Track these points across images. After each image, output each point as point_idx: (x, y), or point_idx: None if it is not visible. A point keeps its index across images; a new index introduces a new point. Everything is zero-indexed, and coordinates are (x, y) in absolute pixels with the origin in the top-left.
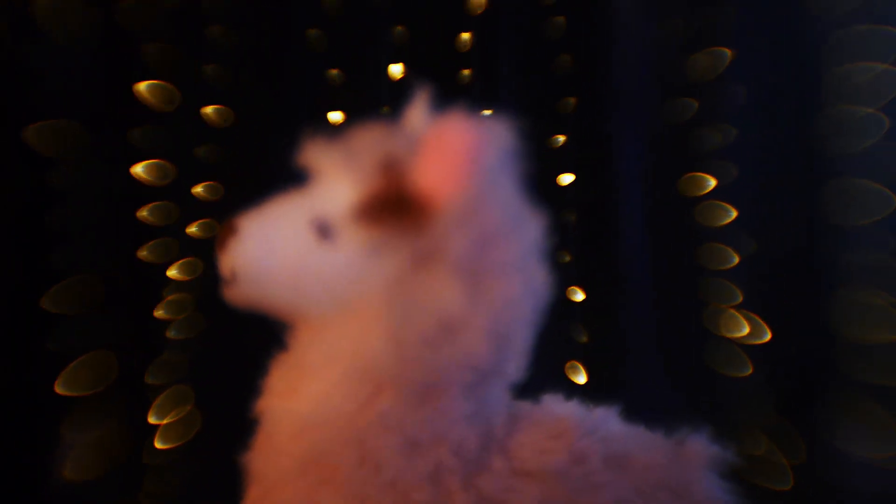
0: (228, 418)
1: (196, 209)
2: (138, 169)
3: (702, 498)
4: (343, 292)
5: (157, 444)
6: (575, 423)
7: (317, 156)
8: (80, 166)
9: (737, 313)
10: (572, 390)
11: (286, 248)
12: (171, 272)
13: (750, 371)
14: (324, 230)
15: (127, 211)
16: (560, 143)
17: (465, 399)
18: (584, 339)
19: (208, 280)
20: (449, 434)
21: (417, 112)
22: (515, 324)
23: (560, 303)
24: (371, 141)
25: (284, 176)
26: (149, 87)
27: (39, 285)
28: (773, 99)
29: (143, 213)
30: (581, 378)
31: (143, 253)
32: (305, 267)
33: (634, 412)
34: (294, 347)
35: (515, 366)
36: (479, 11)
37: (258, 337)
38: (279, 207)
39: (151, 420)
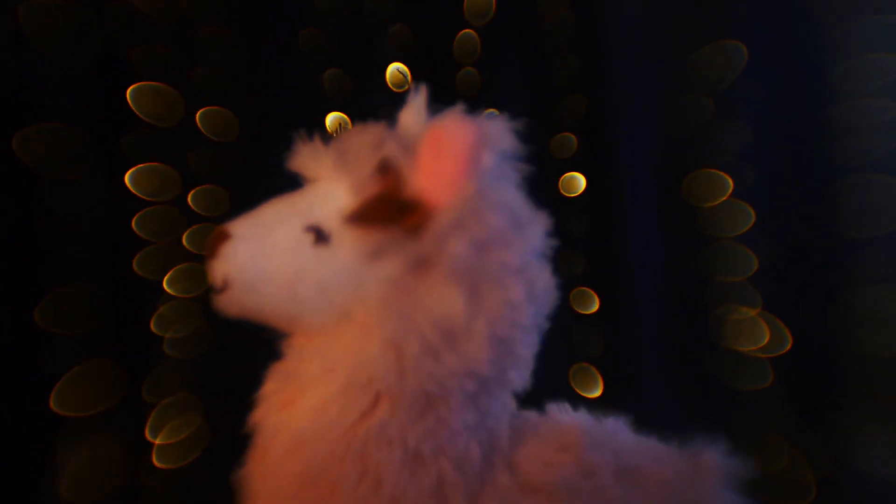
0: (229, 434)
1: (193, 217)
2: (132, 176)
3: None
4: (339, 299)
5: (157, 463)
6: (583, 435)
7: (312, 159)
8: (71, 174)
9: (759, 319)
10: (580, 400)
11: (281, 253)
12: (168, 284)
13: (770, 381)
14: (319, 235)
15: (122, 220)
16: (566, 144)
17: (467, 409)
18: (596, 349)
19: (207, 290)
20: (451, 446)
21: (415, 113)
22: (518, 330)
23: (568, 309)
24: (367, 144)
25: (280, 180)
26: (141, 91)
27: (32, 300)
28: (785, 95)
29: (138, 222)
30: (595, 390)
31: (138, 264)
32: (300, 273)
33: (646, 423)
34: (289, 357)
35: (519, 373)
36: (483, 22)
37: (255, 347)
38: (273, 212)
39: (150, 438)
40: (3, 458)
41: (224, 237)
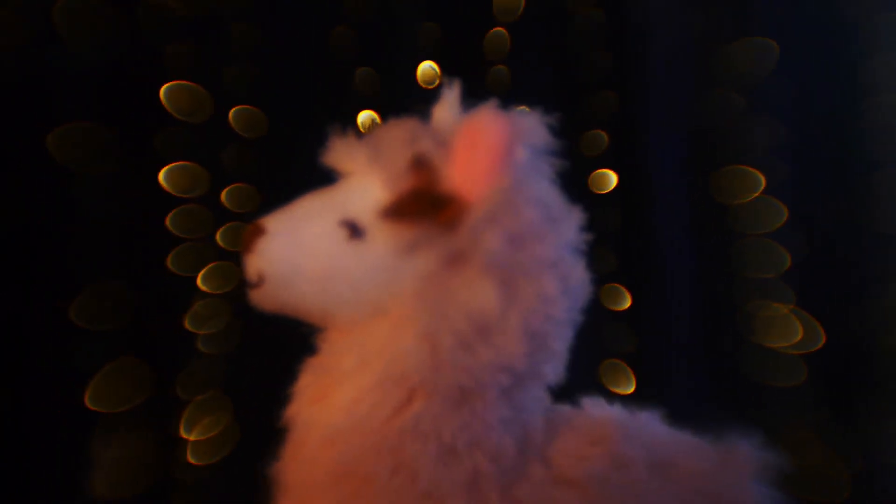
0: (262, 429)
1: (225, 215)
2: (165, 174)
3: None
4: (374, 293)
5: (191, 459)
6: (617, 428)
7: (346, 154)
8: (105, 172)
9: (792, 316)
10: (612, 396)
11: (315, 248)
12: (202, 281)
13: (803, 378)
14: (354, 230)
15: (156, 218)
16: (598, 140)
17: (501, 403)
18: (629, 344)
19: (242, 287)
20: (485, 440)
21: (448, 109)
22: (552, 324)
23: (601, 304)
24: (401, 139)
25: (314, 176)
26: (174, 89)
27: (67, 297)
28: (816, 91)
29: (172, 219)
30: (628, 387)
31: (172, 261)
32: (335, 268)
33: (679, 417)
34: (324, 351)
35: (553, 367)
36: (512, 19)
37: (289, 342)
38: (308, 207)
39: (184, 434)
40: (39, 454)
41: (259, 232)
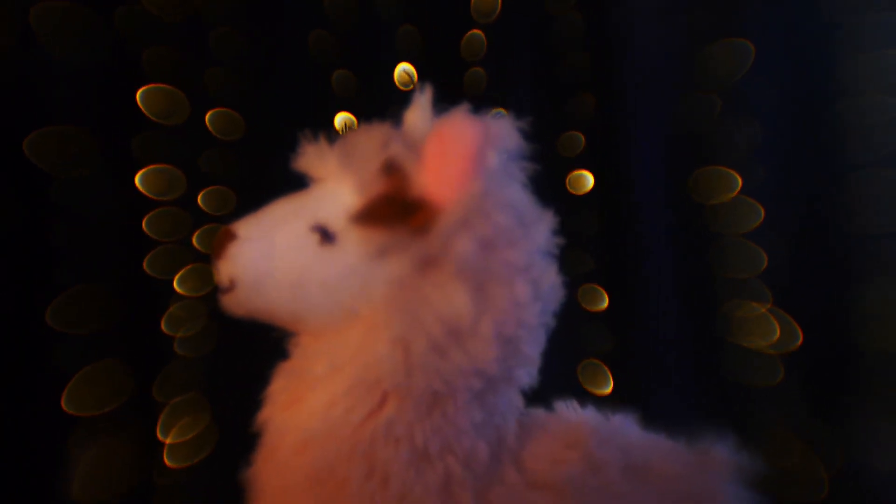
0: (240, 432)
1: (202, 217)
2: (142, 177)
3: None
4: (346, 298)
5: (168, 462)
6: (591, 432)
7: (317, 159)
8: (82, 175)
9: (769, 315)
10: (588, 397)
11: (286, 253)
12: (179, 283)
13: (780, 378)
14: (325, 235)
15: (132, 220)
16: (575, 141)
17: (474, 407)
18: (606, 346)
19: (216, 290)
20: (458, 444)
21: (420, 113)
22: (524, 328)
23: (577, 305)
24: (373, 143)
25: (286, 180)
26: (150, 93)
27: (43, 300)
28: (794, 92)
29: (148, 222)
30: (606, 387)
31: (149, 264)
32: (307, 272)
33: (654, 420)
34: (296, 356)
35: (526, 372)
36: (490, 20)
37: (262, 347)
38: (279, 212)
39: (161, 437)
40: (15, 457)
41: (230, 237)
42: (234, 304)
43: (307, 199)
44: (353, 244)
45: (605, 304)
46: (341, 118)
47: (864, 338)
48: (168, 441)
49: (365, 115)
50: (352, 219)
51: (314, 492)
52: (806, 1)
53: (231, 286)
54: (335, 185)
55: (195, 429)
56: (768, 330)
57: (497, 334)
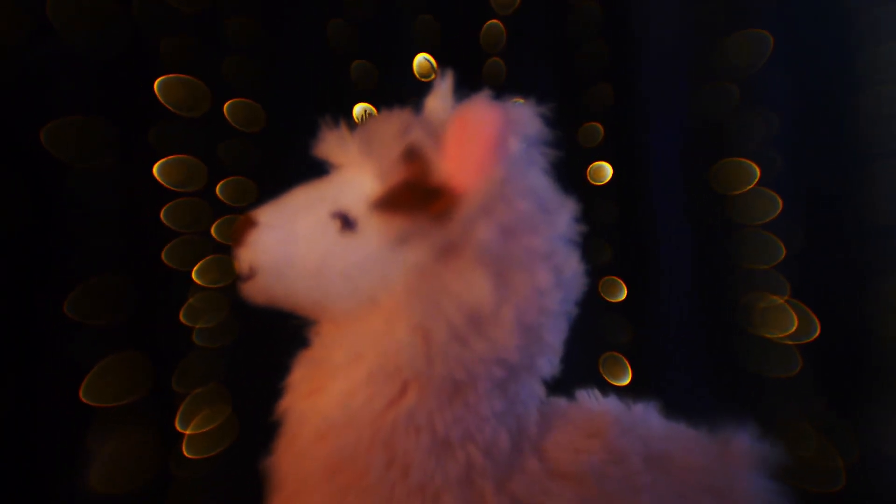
0: (260, 423)
1: (221, 208)
2: (160, 167)
3: (747, 500)
4: (367, 285)
5: (187, 453)
6: (612, 421)
7: (338, 146)
8: (100, 166)
9: (787, 307)
10: (609, 388)
11: (307, 240)
12: (198, 274)
13: (798, 369)
14: (346, 221)
15: (151, 211)
16: (594, 132)
17: (495, 396)
18: (625, 337)
19: (235, 281)
20: (479, 433)
21: (441, 100)
22: (545, 316)
23: (596, 296)
24: (393, 130)
25: (310, 168)
26: (169, 82)
27: (61, 291)
28: (812, 83)
29: (167, 212)
30: (624, 378)
31: (167, 255)
32: (327, 260)
33: (676, 408)
34: (317, 344)
35: (548, 360)
36: (509, 11)
37: (282, 336)
38: (300, 199)
39: (180, 428)
40: (35, 449)
41: (251, 224)
42: (255, 291)
43: (328, 186)
44: (374, 231)
45: (624, 295)
46: (360, 108)
47: (882, 328)
48: (188, 432)
49: (384, 105)
50: (373, 206)
51: (334, 480)
52: None
53: (251, 273)
54: (356, 172)
55: (216, 420)
56: (786, 321)
57: (518, 322)
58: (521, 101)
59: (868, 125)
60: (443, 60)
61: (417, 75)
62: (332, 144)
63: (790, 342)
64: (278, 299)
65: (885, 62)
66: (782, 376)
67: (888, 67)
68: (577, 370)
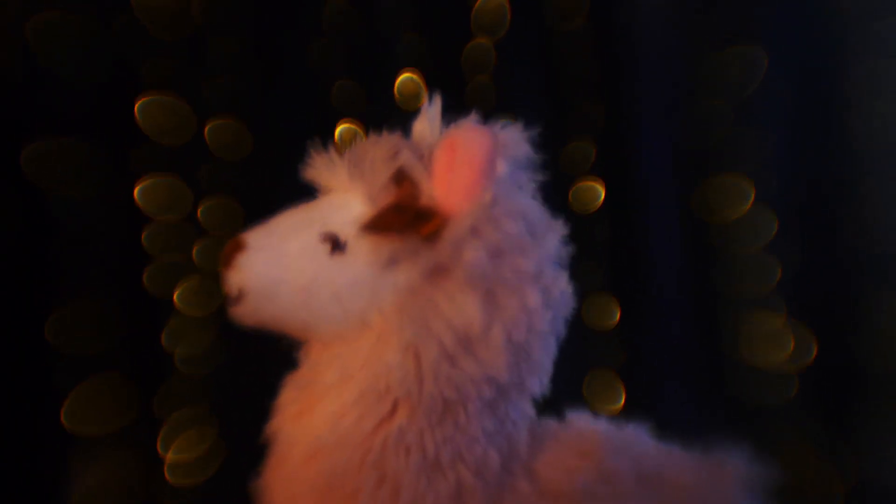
0: (244, 446)
1: (202, 231)
2: (140, 191)
3: None
4: (356, 307)
5: (170, 479)
6: (603, 441)
7: (327, 169)
8: (80, 190)
9: (783, 328)
10: (600, 410)
11: (297, 262)
12: (179, 299)
13: (794, 391)
14: (335, 244)
15: (131, 235)
16: (584, 151)
17: (485, 415)
18: (618, 357)
19: (219, 305)
20: (470, 453)
21: (429, 123)
22: (535, 336)
23: (588, 317)
24: (382, 153)
25: (292, 192)
26: (149, 105)
27: (42, 316)
28: (806, 100)
29: (147, 236)
30: (617, 401)
31: (148, 279)
32: (317, 282)
33: (669, 429)
34: (306, 365)
35: (538, 380)
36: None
37: (270, 359)
38: (288, 222)
39: (163, 454)
40: (16, 475)
41: (239, 247)
42: (243, 314)
43: (317, 208)
44: (364, 253)
45: (617, 317)
46: (344, 129)
47: (880, 351)
48: (170, 458)
49: (368, 125)
50: (362, 228)
51: (325, 501)
52: (818, 6)
53: (240, 296)
54: (345, 195)
55: (201, 445)
56: (782, 343)
57: (508, 341)
58: (509, 121)
59: (862, 142)
60: (428, 80)
61: (402, 96)
62: (321, 167)
63: (786, 365)
64: (267, 322)
65: (879, 79)
66: (778, 398)
67: (882, 84)
68: (569, 391)
